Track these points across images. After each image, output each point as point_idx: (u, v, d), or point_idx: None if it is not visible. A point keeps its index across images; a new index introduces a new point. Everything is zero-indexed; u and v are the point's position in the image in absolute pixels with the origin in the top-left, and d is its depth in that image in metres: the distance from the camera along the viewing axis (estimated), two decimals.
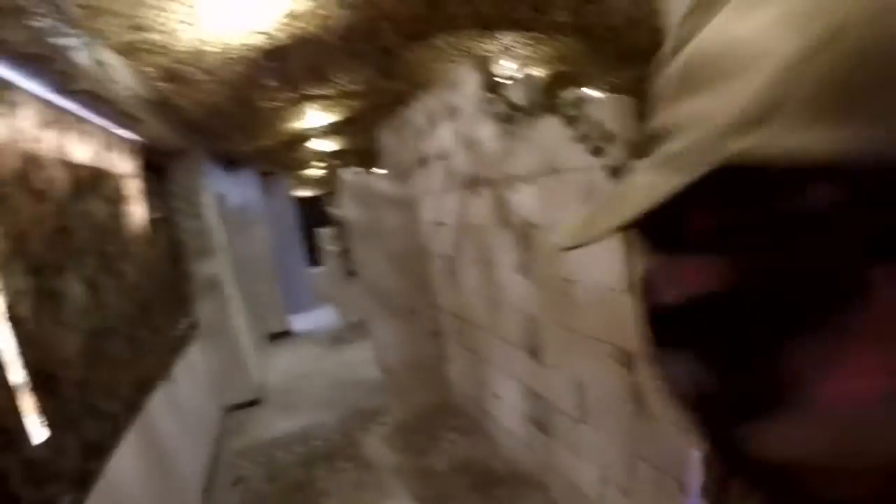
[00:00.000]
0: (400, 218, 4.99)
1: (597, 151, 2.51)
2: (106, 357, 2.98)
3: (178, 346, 4.82)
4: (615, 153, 2.41)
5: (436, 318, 5.21)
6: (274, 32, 3.86)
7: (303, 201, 14.32)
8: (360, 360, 7.33)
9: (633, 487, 2.67)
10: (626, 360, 2.53)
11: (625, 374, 2.54)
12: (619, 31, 5.32)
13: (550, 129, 2.83)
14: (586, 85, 3.02)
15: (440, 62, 5.49)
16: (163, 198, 5.69)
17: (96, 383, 2.75)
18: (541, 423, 3.53)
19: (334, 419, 5.57)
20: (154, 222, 4.98)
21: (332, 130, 7.75)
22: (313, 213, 14.70)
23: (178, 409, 4.33)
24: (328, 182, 13.51)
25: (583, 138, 2.57)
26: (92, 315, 2.93)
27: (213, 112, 5.45)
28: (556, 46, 5.61)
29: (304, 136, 7.70)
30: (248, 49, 4.04)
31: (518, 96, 3.12)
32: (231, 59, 4.12)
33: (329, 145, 8.69)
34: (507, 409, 4.03)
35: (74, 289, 2.79)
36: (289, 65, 4.55)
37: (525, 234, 3.25)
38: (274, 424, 5.76)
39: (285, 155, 9.08)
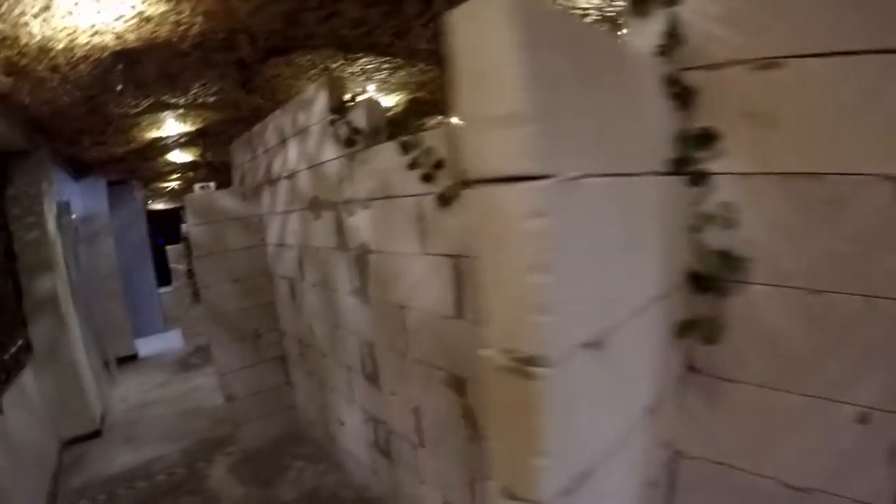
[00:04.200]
0: (245, 238, 4.78)
1: (427, 178, 2.53)
2: None
3: (7, 372, 4.27)
4: (444, 180, 2.44)
5: (280, 343, 5.03)
6: (124, 34, 3.63)
7: (156, 215, 13.46)
8: (208, 387, 6.96)
9: None
10: (458, 386, 2.55)
11: (457, 399, 2.57)
12: None
13: (386, 155, 2.83)
14: (440, 113, 3.05)
15: (297, 80, 5.39)
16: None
17: None
18: (384, 449, 3.48)
19: (179, 451, 5.20)
20: None
21: (187, 141, 7.38)
22: (166, 228, 13.85)
23: (8, 443, 3.84)
24: (182, 195, 12.84)
25: (414, 165, 2.58)
26: None
27: (59, 112, 5.01)
28: (412, 73, 5.68)
29: (158, 145, 7.27)
30: (96, 49, 3.76)
31: (361, 120, 3.08)
32: (79, 57, 3.82)
33: (184, 157, 8.23)
34: (353, 435, 3.95)
35: None
36: (140, 69, 4.29)
37: (361, 259, 3.22)
38: (116, 458, 5.24)
39: (139, 164, 8.50)
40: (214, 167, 8.98)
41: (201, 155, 7.86)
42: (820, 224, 1.38)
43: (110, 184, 9.21)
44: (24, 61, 3.64)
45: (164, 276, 10.62)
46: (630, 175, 1.29)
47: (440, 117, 7.52)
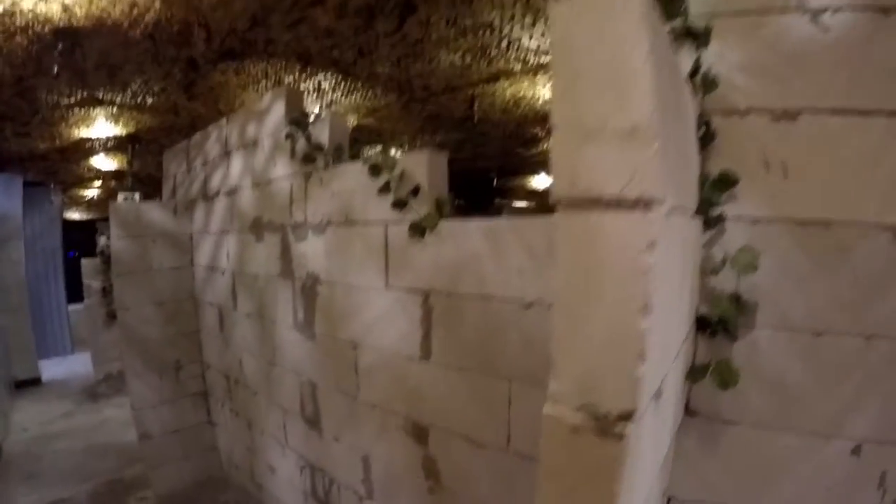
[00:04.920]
0: (173, 257, 4.31)
1: (399, 205, 2.28)
2: None
3: None
4: (419, 209, 2.20)
5: (203, 377, 4.55)
6: (72, 6, 3.27)
7: (71, 225, 12.57)
8: (119, 421, 6.33)
9: None
10: (419, 433, 2.29)
11: (417, 448, 2.30)
12: (435, 93, 5.34)
13: (351, 176, 2.55)
14: (383, 143, 2.81)
15: (245, 90, 5.06)
16: None
17: None
18: (322, 499, 3.10)
19: (85, 493, 4.61)
20: None
21: (115, 146, 6.87)
22: (81, 241, 12.97)
23: None
24: (103, 206, 12.11)
25: (385, 189, 2.31)
26: None
27: None
28: (367, 97, 5.47)
29: (84, 146, 6.76)
30: (39, 19, 3.39)
31: (323, 135, 2.79)
32: (18, 27, 3.45)
33: (109, 164, 7.67)
34: (284, 483, 3.53)
35: None
36: (81, 54, 3.94)
37: (309, 289, 2.88)
38: (14, 501, 4.58)
39: (60, 165, 7.92)
40: (140, 179, 8.43)
41: (129, 163, 7.33)
42: (825, 269, 1.46)
43: (26, 184, 8.45)
44: None
45: (74, 292, 9.70)
46: (687, 212, 1.21)
47: (380, 146, 7.36)
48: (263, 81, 4.87)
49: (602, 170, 0.80)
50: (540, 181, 11.04)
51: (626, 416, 0.80)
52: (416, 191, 2.21)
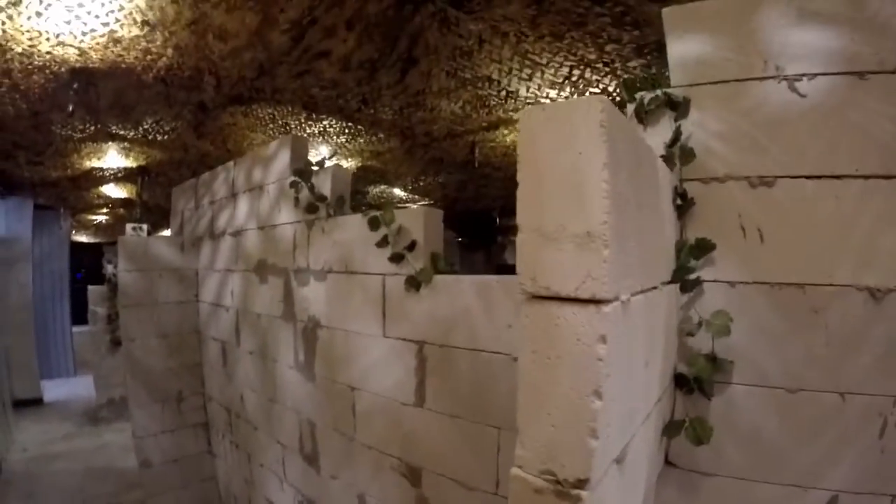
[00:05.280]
0: (178, 291, 4.47)
1: (396, 259, 2.42)
2: None
3: None
4: (415, 263, 2.33)
5: (204, 408, 4.67)
6: (88, 51, 3.45)
7: (79, 247, 12.72)
8: (119, 446, 6.44)
9: None
10: (412, 475, 2.38)
11: (411, 489, 2.39)
12: (437, 139, 5.52)
13: (351, 227, 2.70)
14: (387, 183, 2.95)
15: (253, 131, 5.24)
16: None
17: None
18: None
19: None
20: None
21: (125, 176, 7.05)
22: (88, 263, 13.10)
23: None
24: (110, 230, 12.25)
25: (383, 243, 2.45)
26: None
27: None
28: (371, 141, 5.64)
29: (95, 175, 6.92)
30: (56, 61, 3.57)
31: (325, 186, 2.95)
32: (36, 66, 3.62)
33: (119, 192, 7.84)
34: None
35: None
36: (95, 93, 4.11)
37: (310, 333, 3.02)
38: None
39: (71, 192, 8.08)
40: (148, 208, 8.60)
41: (138, 194, 7.50)
42: (801, 329, 1.53)
43: (37, 207, 8.63)
44: None
45: (79, 314, 9.85)
46: (654, 288, 1.32)
47: (384, 187, 7.50)
48: (270, 125, 5.05)
49: (560, 270, 0.93)
50: None
51: (581, 484, 0.92)
52: (412, 246, 2.34)
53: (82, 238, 14.19)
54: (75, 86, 3.88)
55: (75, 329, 10.15)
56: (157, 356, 4.35)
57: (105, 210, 10.06)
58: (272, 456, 3.58)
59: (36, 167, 6.50)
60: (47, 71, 3.70)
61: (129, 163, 6.33)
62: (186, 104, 4.47)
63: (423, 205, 8.60)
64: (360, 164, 6.50)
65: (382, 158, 6.26)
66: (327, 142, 5.55)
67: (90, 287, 7.69)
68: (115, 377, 7.35)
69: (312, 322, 2.98)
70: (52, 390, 8.74)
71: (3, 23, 3.04)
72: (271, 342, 3.42)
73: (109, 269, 7.80)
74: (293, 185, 3.13)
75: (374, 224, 2.50)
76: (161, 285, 4.37)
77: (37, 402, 8.25)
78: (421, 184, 7.76)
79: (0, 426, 6.13)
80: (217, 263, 4.19)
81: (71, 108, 4.19)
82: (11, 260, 8.07)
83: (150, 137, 5.40)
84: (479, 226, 12.12)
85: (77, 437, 6.90)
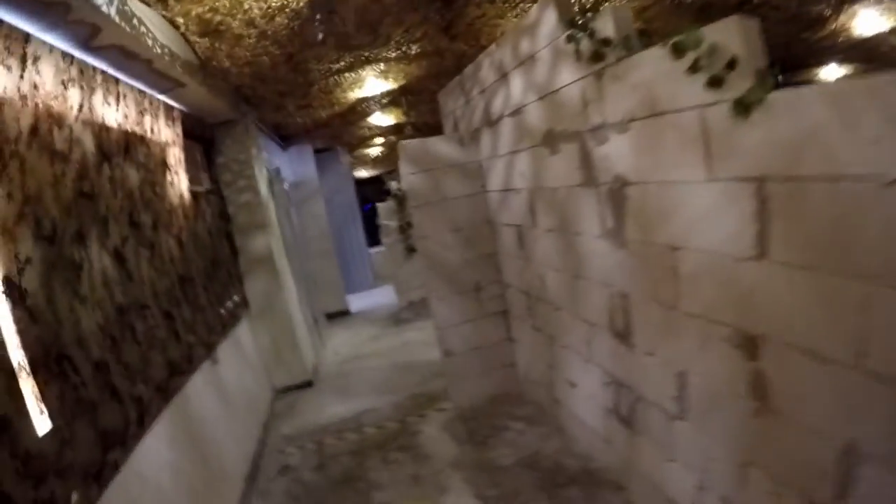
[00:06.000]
0: (464, 185, 4.53)
1: (714, 83, 1.98)
2: (134, 335, 2.64)
3: (224, 324, 4.52)
4: (739, 84, 1.87)
5: (503, 296, 4.73)
6: None
7: (362, 182, 14.05)
8: (420, 342, 7.00)
9: (741, 499, 2.17)
10: (748, 346, 2.00)
11: (744, 363, 2.03)
12: None
13: (650, 63, 2.30)
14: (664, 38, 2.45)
15: (503, 18, 4.99)
16: (210, 170, 5.41)
17: (120, 364, 2.41)
18: (626, 416, 3.02)
19: (390, 405, 5.22)
20: (199, 194, 4.67)
21: (389, 101, 7.37)
22: (373, 194, 14.44)
23: (223, 392, 4.03)
24: (387, 161, 13.20)
25: (696, 68, 2.04)
26: (118, 288, 2.60)
27: (261, 76, 5.11)
28: None
29: (360, 107, 7.35)
30: None
31: (608, 28, 2.58)
32: (274, 8, 3.72)
33: (386, 119, 8.29)
34: (584, 398, 3.54)
35: (97, 259, 2.45)
36: (338, 19, 4.16)
37: (616, 194, 2.72)
38: (326, 409, 5.45)
39: (342, 129, 8.77)
40: (417, 128, 9.00)
41: (405, 113, 7.84)
42: None
43: (317, 151, 9.66)
44: (217, 18, 3.60)
45: (372, 238, 10.99)
46: None
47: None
48: (520, 4, 4.75)
49: None
50: (830, 72, 9.25)
51: None
52: (731, 64, 1.88)
53: (363, 173, 15.62)
54: (318, 17, 3.95)
55: (371, 251, 11.49)
56: (452, 250, 4.52)
57: (377, 141, 10.81)
58: (576, 336, 3.46)
59: (305, 110, 7.04)
60: (287, 9, 3.77)
61: (390, 84, 6.54)
62: (431, 2, 4.34)
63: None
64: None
65: (647, 15, 5.57)
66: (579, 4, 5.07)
67: (378, 205, 8.41)
68: (412, 281, 8.04)
69: (618, 182, 2.68)
70: (356, 302, 10.02)
71: None
72: (571, 215, 3.22)
73: (393, 185, 8.42)
74: (570, 38, 2.79)
75: (678, 51, 2.08)
76: (447, 182, 4.47)
77: (344, 313, 9.51)
78: None
79: (314, 337, 7.09)
80: (500, 149, 4.10)
81: (320, 37, 4.31)
82: (305, 199, 9.25)
83: (403, 51, 5.45)
84: None
85: (382, 338, 7.72)
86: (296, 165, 9.22)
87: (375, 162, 13.85)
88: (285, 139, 8.71)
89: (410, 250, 7.89)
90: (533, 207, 3.75)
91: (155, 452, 2.56)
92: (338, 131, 8.87)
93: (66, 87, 2.46)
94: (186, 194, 4.23)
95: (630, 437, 3.01)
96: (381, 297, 10.23)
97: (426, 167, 4.42)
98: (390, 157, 12.31)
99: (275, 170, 7.03)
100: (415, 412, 4.92)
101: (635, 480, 3.03)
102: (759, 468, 2.03)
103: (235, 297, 5.19)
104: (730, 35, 1.90)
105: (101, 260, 2.49)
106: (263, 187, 5.92)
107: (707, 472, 2.36)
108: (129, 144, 3.20)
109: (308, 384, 6.12)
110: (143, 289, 2.92)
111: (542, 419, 4.24)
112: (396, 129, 9.28)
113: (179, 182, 4.11)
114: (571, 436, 3.85)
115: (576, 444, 3.77)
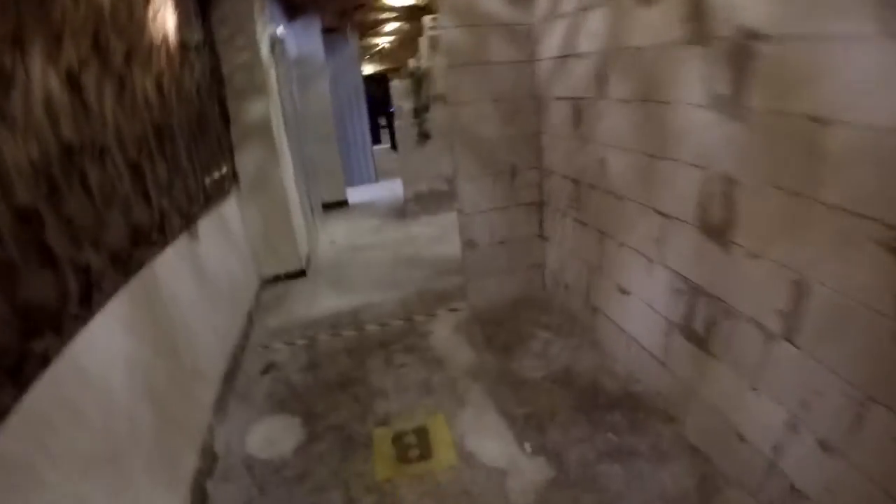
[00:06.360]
0: (510, 50, 3.82)
1: None
2: (84, 184, 1.98)
3: (208, 196, 3.85)
4: None
5: (539, 185, 4.13)
6: None
7: (367, 79, 13.08)
8: (428, 236, 6.44)
9: (848, 444, 1.75)
10: None
11: (894, 271, 1.52)
12: None
13: None
14: None
15: None
16: (205, 18, 4.53)
17: (60, 220, 1.76)
18: (698, 333, 2.51)
19: (394, 301, 4.68)
20: (189, 43, 3.87)
21: None
22: (378, 95, 13.55)
23: (201, 274, 3.43)
24: (394, 56, 12.28)
25: None
26: (67, 122, 1.91)
27: None
28: None
29: None
30: None
31: None
32: None
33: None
34: (638, 308, 3.04)
35: (40, 77, 1.76)
36: None
37: (741, 51, 2.05)
38: (320, 301, 4.89)
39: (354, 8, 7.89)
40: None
41: None
42: None
43: (324, 31, 8.79)
44: None
45: (375, 136, 10.10)
46: None
47: None
48: None
49: None
50: None
51: None
52: None
53: (367, 69, 14.61)
54: None
55: (375, 147, 10.63)
56: (489, 123, 3.89)
57: (390, 28, 9.89)
58: (642, 232, 2.91)
59: None
60: None
61: None
62: None
63: None
64: None
65: None
66: None
67: (392, 83, 7.54)
68: (422, 170, 7.34)
69: (744, 35, 2.02)
70: (356, 195, 9.30)
71: None
72: (662, 81, 2.56)
73: (411, 62, 7.55)
74: None
75: None
76: (491, 42, 3.77)
77: (342, 204, 8.90)
78: None
79: (309, 223, 6.45)
80: (563, 6, 3.38)
81: None
82: (310, 74, 8.35)
83: None
84: None
85: (384, 231, 7.12)
86: (301, 40, 8.31)
87: (382, 57, 12.94)
88: (293, 9, 7.75)
89: (424, 136, 7.13)
90: (602, 74, 3.08)
91: (105, 341, 1.97)
92: (346, 3, 7.89)
93: None
94: (172, 37, 3.45)
95: (698, 359, 2.52)
96: (383, 191, 9.54)
97: (469, 21, 3.71)
98: (399, 51, 11.42)
99: (280, 38, 6.13)
100: (423, 311, 4.41)
101: (694, 411, 2.58)
102: (885, 407, 1.59)
103: (224, 168, 4.51)
104: None
105: (47, 79, 1.80)
106: (265, 48, 5.12)
107: (806, 407, 1.90)
108: None
109: (301, 273, 5.54)
110: (104, 129, 2.24)
111: (573, 330, 3.77)
112: (413, 13, 8.36)
113: (165, 20, 3.33)
114: (609, 352, 3.41)
115: (615, 362, 3.32)
